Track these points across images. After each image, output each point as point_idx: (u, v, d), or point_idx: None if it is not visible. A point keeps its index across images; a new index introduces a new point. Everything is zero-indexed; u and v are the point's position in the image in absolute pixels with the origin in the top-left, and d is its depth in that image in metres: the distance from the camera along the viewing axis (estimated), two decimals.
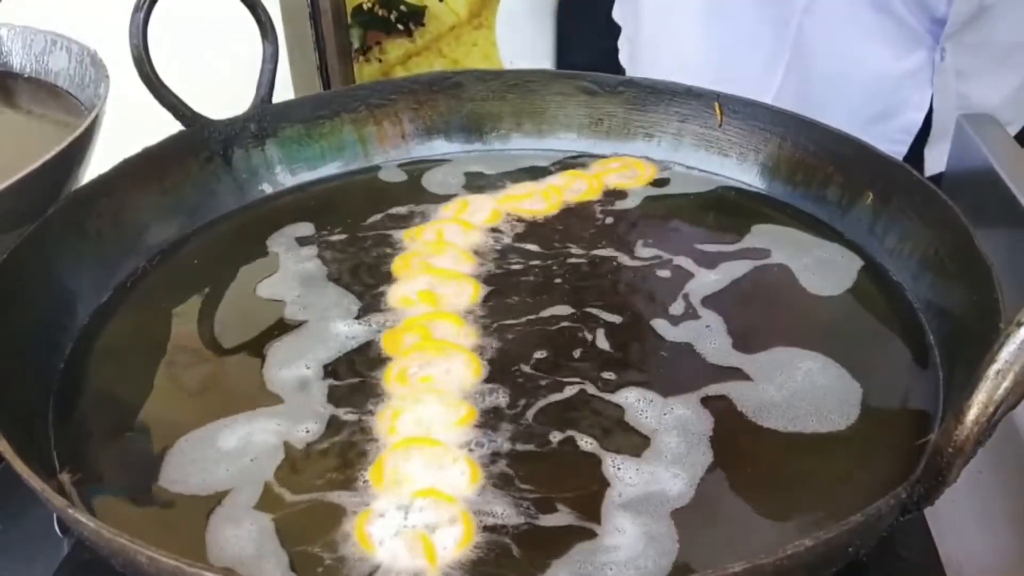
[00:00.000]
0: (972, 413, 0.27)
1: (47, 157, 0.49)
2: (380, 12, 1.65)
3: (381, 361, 0.46)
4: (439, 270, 0.52)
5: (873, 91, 0.74)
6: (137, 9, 0.55)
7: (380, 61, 1.69)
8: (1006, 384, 0.26)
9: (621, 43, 0.90)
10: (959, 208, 0.47)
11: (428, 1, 1.66)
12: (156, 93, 0.57)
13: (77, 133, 0.52)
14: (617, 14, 0.90)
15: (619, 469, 0.39)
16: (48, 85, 0.67)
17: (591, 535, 0.36)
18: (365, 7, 1.64)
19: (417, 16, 1.65)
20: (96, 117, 0.55)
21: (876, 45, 0.73)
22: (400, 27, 1.66)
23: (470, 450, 0.40)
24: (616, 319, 0.49)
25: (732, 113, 0.61)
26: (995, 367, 0.26)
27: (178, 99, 0.57)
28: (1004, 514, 0.46)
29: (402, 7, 1.65)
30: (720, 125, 0.62)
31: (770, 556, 0.29)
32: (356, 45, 1.66)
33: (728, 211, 0.59)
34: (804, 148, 0.57)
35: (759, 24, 0.73)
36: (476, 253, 0.55)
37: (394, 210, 0.59)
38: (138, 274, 0.54)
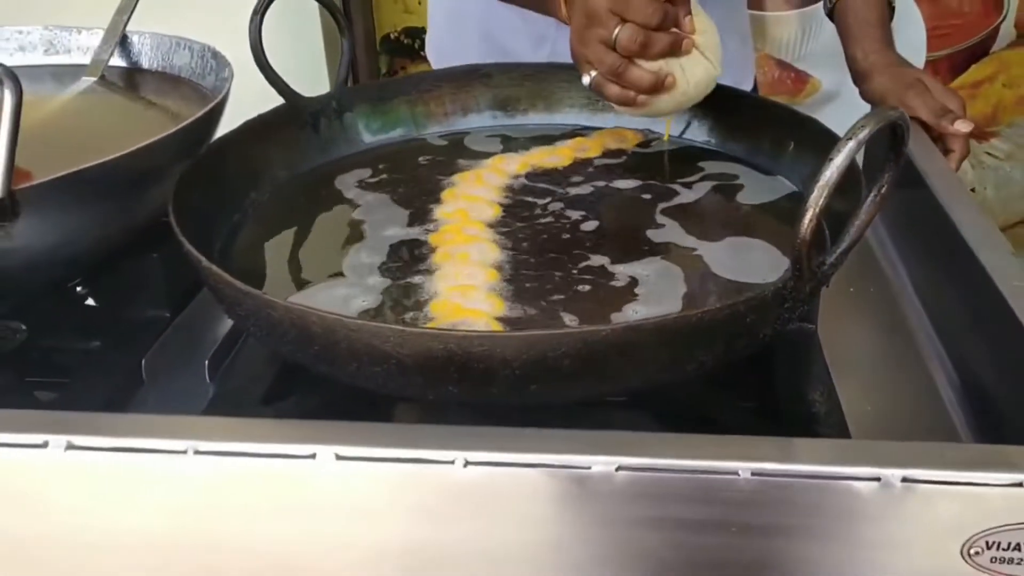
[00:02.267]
0: (807, 215, 0.46)
1: (200, 113, 0.69)
2: (405, 40, 1.87)
3: (431, 249, 0.66)
4: (473, 197, 0.72)
5: None
6: (255, 12, 0.75)
7: None
8: (826, 193, 0.45)
9: (429, 32, 1.11)
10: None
11: None
12: (266, 75, 0.76)
13: (215, 102, 0.72)
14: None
15: (619, 299, 0.58)
16: (172, 77, 0.87)
17: None
18: (392, 36, 1.87)
19: None
20: (226, 92, 0.75)
21: None
22: (423, 54, 1.87)
23: (495, 291, 0.60)
24: (611, 223, 0.68)
25: None
26: (818, 184, 0.45)
27: (282, 80, 0.77)
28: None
29: (424, 36, 1.86)
30: None
31: (695, 311, 0.47)
32: (384, 70, 1.88)
33: (693, 159, 0.78)
34: (743, 113, 0.78)
35: (527, 39, 0.91)
36: (504, 189, 0.74)
37: (444, 161, 0.79)
38: (258, 203, 0.73)
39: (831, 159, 0.45)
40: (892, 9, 0.91)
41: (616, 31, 0.67)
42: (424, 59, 1.93)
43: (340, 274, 0.64)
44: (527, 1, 0.76)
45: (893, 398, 0.64)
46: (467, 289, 0.60)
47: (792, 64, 1.78)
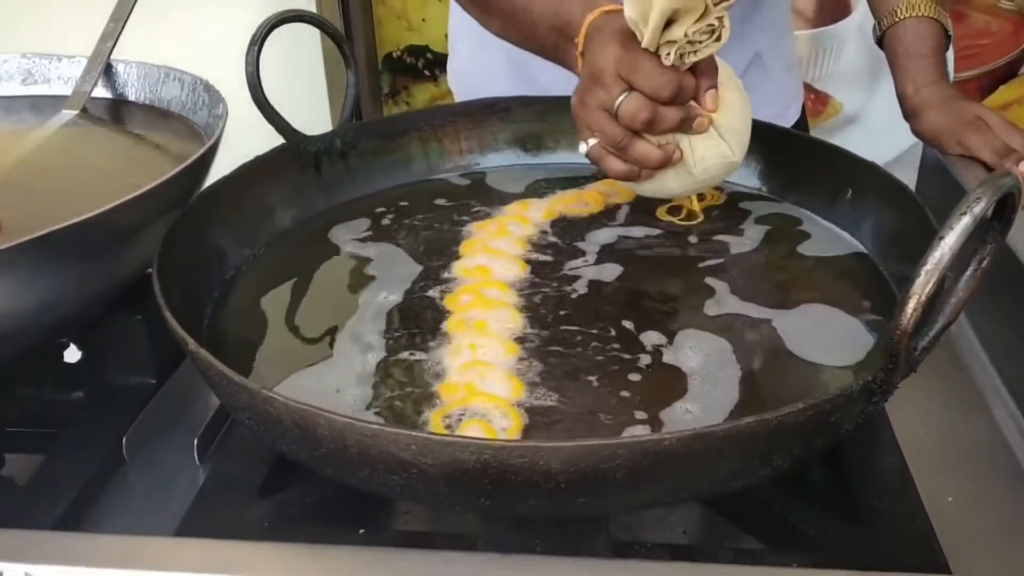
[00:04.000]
0: (911, 304, 0.39)
1: (189, 161, 0.61)
2: (408, 59, 1.80)
3: (445, 314, 0.58)
4: (495, 251, 0.65)
5: None
6: (252, 43, 0.67)
7: (407, 104, 1.84)
8: (933, 280, 0.38)
9: (451, 60, 1.01)
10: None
11: None
12: (264, 112, 0.69)
13: (211, 142, 0.64)
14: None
15: (667, 388, 0.51)
16: (160, 110, 0.80)
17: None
18: (394, 55, 1.80)
19: (441, 63, 1.80)
20: (219, 133, 0.67)
21: None
22: (426, 73, 1.81)
23: (516, 371, 0.53)
24: (652, 285, 0.61)
25: None
26: (925, 268, 0.38)
27: (281, 117, 0.70)
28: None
29: (428, 55, 1.80)
30: None
31: (773, 414, 0.40)
32: (385, 89, 1.81)
33: (736, 200, 0.71)
34: (794, 155, 0.70)
35: (560, 68, 0.78)
36: (529, 242, 0.67)
37: (462, 206, 0.71)
38: (254, 258, 0.66)
39: (942, 238, 0.38)
40: (949, 37, 0.83)
41: (620, 99, 0.56)
42: (428, 78, 1.87)
43: (342, 343, 0.56)
44: (546, 52, 0.67)
45: (974, 483, 0.56)
46: (482, 367, 0.53)
47: (811, 84, 1.71)
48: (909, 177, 1.05)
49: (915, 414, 0.59)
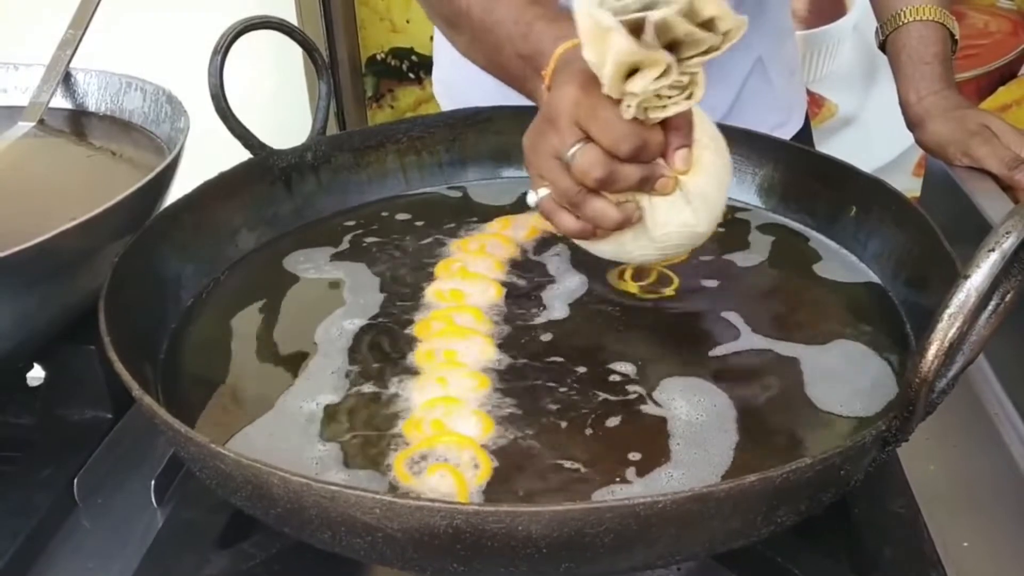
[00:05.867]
0: (932, 349, 0.35)
1: (148, 177, 0.57)
2: (392, 62, 1.76)
3: (414, 343, 0.55)
4: (472, 274, 0.60)
5: None
6: (216, 52, 0.63)
7: (392, 108, 1.80)
8: (957, 324, 0.34)
9: (435, 69, 0.96)
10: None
11: None
12: (229, 125, 0.65)
13: (169, 159, 0.60)
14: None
15: (650, 438, 0.47)
16: (122, 122, 0.76)
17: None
18: (379, 57, 1.75)
19: (427, 65, 1.75)
20: (181, 147, 0.63)
21: None
22: (411, 76, 1.77)
23: (486, 408, 0.49)
24: (642, 311, 0.57)
25: (732, 142, 0.69)
26: (948, 311, 0.34)
27: (248, 130, 0.66)
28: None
29: (413, 57, 1.76)
30: None
31: (778, 470, 0.36)
32: (369, 93, 1.77)
33: (729, 211, 0.67)
34: (794, 170, 0.66)
35: None
36: (509, 263, 0.62)
37: (441, 224, 0.67)
38: (215, 283, 0.61)
39: (967, 277, 0.34)
40: (955, 42, 0.79)
41: (573, 150, 0.48)
42: (413, 81, 1.83)
43: (308, 376, 0.52)
44: (511, 80, 0.60)
45: (992, 526, 0.52)
46: (450, 403, 0.49)
47: (806, 87, 1.67)
48: (905, 181, 1.01)
49: (926, 450, 0.55)
